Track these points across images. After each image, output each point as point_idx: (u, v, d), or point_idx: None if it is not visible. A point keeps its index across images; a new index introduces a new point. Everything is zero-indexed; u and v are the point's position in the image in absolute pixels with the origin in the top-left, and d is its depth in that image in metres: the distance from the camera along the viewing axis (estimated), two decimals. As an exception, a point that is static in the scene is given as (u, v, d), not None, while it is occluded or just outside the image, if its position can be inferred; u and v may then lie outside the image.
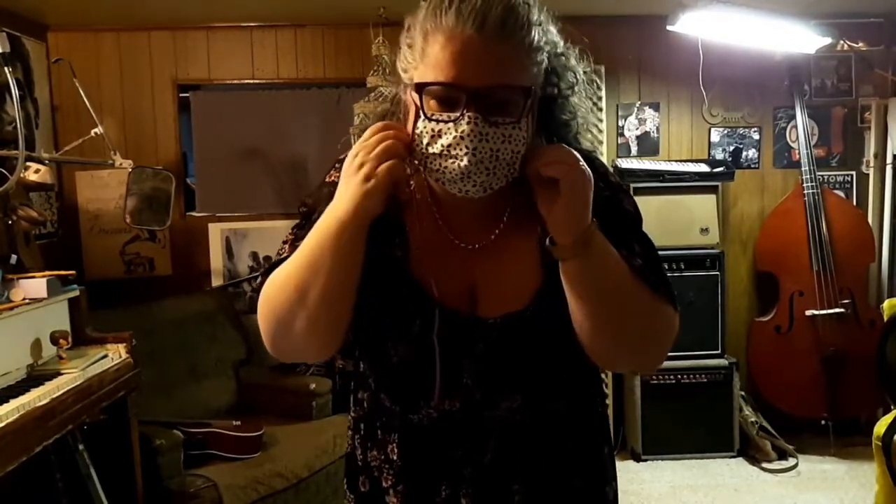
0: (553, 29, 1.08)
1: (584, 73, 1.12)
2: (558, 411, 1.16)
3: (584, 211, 0.98)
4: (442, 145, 0.98)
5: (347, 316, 1.07)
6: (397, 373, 1.13)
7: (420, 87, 0.99)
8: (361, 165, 0.98)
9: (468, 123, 0.96)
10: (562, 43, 1.09)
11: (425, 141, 0.99)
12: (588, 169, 0.99)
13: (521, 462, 1.14)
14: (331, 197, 1.04)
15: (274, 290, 1.07)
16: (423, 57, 1.00)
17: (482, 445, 1.13)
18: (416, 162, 1.02)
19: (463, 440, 1.13)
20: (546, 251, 1.03)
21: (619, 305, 1.04)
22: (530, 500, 1.14)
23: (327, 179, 1.17)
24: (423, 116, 0.99)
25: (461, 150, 0.97)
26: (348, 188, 0.99)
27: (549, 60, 1.06)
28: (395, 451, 1.16)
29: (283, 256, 1.11)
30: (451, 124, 0.97)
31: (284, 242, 1.15)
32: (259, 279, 1.13)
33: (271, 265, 1.11)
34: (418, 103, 1.00)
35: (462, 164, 0.97)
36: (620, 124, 4.05)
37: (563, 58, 1.09)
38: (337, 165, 1.15)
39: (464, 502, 1.13)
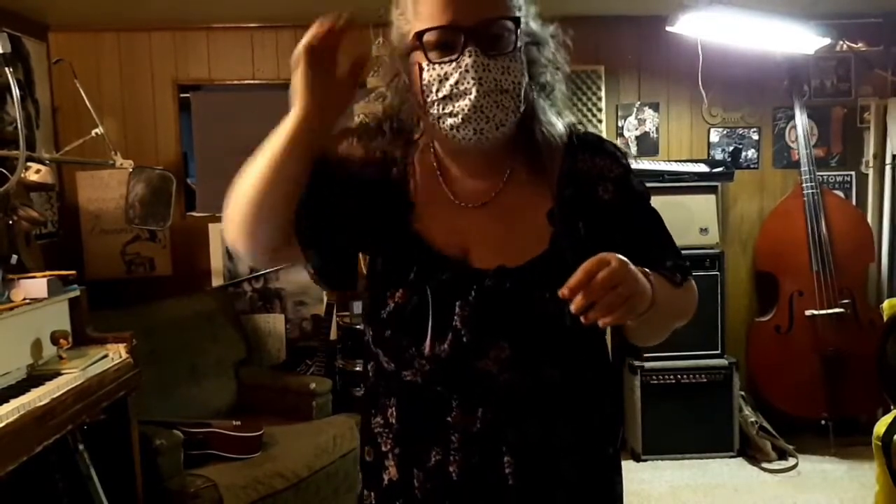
0: None
1: (552, 35, 1.18)
2: (551, 381, 1.15)
3: (637, 305, 1.00)
4: (450, 85, 1.06)
5: (292, 199, 1.11)
6: (393, 320, 1.15)
7: (420, 35, 1.07)
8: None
9: (469, 57, 1.04)
10: (532, 6, 1.16)
11: (434, 88, 1.07)
12: (615, 270, 0.96)
13: (512, 434, 1.14)
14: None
15: (235, 190, 1.15)
16: (416, 15, 1.08)
17: (472, 410, 1.13)
18: (429, 116, 1.09)
19: (455, 401, 1.14)
20: (554, 223, 1.13)
21: (667, 319, 1.18)
22: (521, 476, 1.14)
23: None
24: (426, 65, 1.07)
25: (468, 82, 1.04)
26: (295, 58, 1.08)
27: (526, 19, 1.13)
28: (394, 414, 1.19)
29: None
30: (453, 63, 1.05)
31: None
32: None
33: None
34: (420, 56, 1.07)
35: (472, 96, 1.05)
36: (620, 124, 4.05)
37: (534, 19, 1.16)
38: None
39: (451, 469, 1.14)
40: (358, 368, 3.46)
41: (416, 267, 1.13)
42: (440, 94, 1.07)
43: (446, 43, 1.06)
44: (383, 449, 1.21)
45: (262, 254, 1.19)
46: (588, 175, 1.18)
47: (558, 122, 1.19)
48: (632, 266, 0.99)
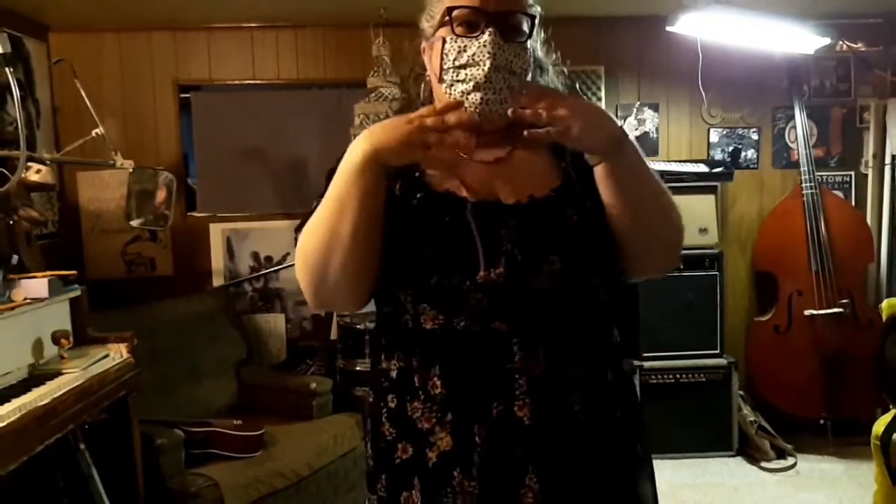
0: None
1: (553, 64, 1.38)
2: (598, 296, 1.25)
3: (596, 133, 1.18)
4: (468, 56, 1.19)
5: (377, 253, 1.20)
6: (437, 265, 1.19)
7: (451, 10, 1.22)
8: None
9: (489, 36, 1.18)
10: (540, 35, 1.33)
11: (452, 56, 1.21)
12: (568, 96, 1.19)
13: (574, 371, 1.21)
14: None
15: (307, 239, 1.21)
16: None
17: (534, 351, 1.18)
18: (443, 83, 1.22)
19: (515, 344, 1.17)
20: (560, 158, 1.29)
21: (651, 204, 1.26)
22: (587, 412, 1.21)
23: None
24: (450, 38, 1.21)
25: (484, 55, 1.18)
26: (363, 136, 1.15)
27: (534, 44, 1.28)
28: (438, 383, 1.19)
29: (312, 208, 1.23)
30: (474, 39, 1.20)
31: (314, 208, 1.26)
32: (295, 235, 1.27)
33: (302, 222, 1.24)
34: (447, 31, 1.22)
35: (485, 67, 1.18)
36: (620, 124, 4.05)
37: (545, 47, 1.35)
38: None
39: (521, 415, 1.16)
40: (358, 368, 3.46)
41: (449, 216, 1.20)
42: (457, 63, 1.20)
43: (470, 22, 1.21)
44: (427, 427, 1.19)
45: (356, 301, 1.27)
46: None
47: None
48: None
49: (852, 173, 4.15)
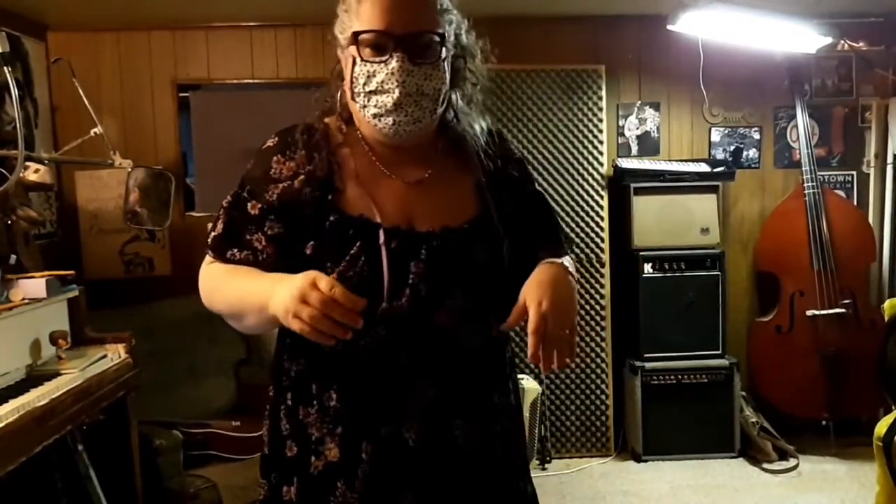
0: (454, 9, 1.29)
1: (481, 49, 1.34)
2: (492, 321, 1.28)
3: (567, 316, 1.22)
4: (376, 83, 1.19)
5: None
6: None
7: (356, 35, 1.20)
8: (306, 303, 1.07)
9: (397, 62, 1.18)
10: (465, 23, 1.30)
11: (362, 81, 1.21)
12: (549, 300, 1.19)
13: (461, 399, 1.26)
14: (264, 178, 1.26)
15: (211, 293, 1.31)
16: (358, 15, 1.21)
17: (426, 377, 1.23)
18: (356, 103, 1.23)
19: (409, 370, 1.22)
20: (480, 189, 1.30)
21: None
22: (468, 437, 1.27)
23: (263, 147, 1.33)
24: (359, 61, 1.20)
25: (392, 83, 1.18)
26: (289, 301, 1.09)
27: (456, 34, 1.28)
28: (334, 396, 1.24)
29: (217, 234, 1.29)
30: (382, 64, 1.19)
31: (217, 218, 1.31)
32: (206, 252, 1.33)
33: (212, 245, 1.30)
34: (355, 52, 1.21)
35: (395, 95, 1.19)
36: (621, 124, 4.05)
37: (466, 34, 1.31)
38: (274, 136, 1.33)
39: (407, 436, 1.23)
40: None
41: (361, 241, 1.20)
42: (367, 89, 1.21)
43: (378, 45, 1.20)
44: (317, 435, 1.25)
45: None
46: (500, 156, 1.36)
47: (477, 121, 1.36)
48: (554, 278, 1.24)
49: (854, 173, 4.14)
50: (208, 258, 1.32)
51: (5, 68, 2.36)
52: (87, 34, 3.79)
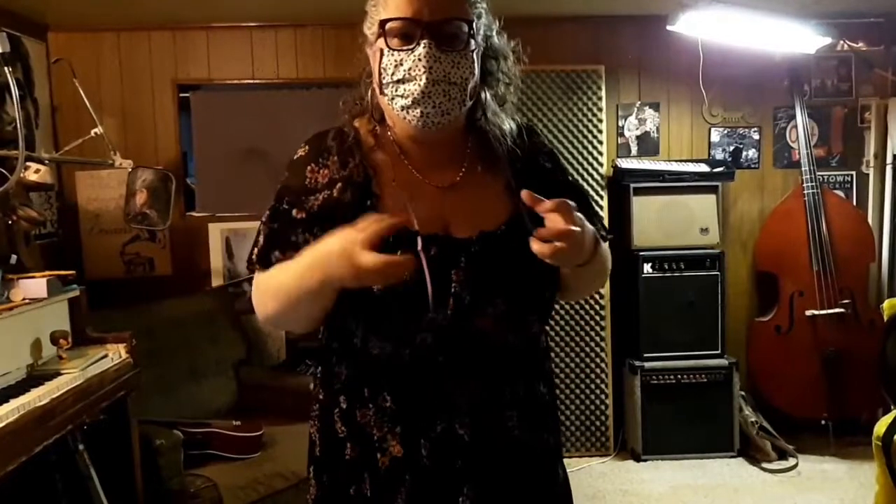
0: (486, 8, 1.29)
1: (513, 50, 1.35)
2: (532, 324, 1.31)
3: (574, 258, 1.17)
4: (404, 70, 1.19)
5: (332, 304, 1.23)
6: (388, 301, 1.20)
7: (384, 23, 1.20)
8: (354, 253, 1.08)
9: (424, 48, 1.18)
10: (496, 23, 1.31)
11: (390, 71, 1.20)
12: (575, 229, 1.13)
13: (509, 392, 1.28)
14: (301, 189, 1.26)
15: (263, 298, 1.28)
16: (385, 6, 1.22)
17: (473, 376, 1.24)
18: (385, 97, 1.22)
19: (457, 370, 1.23)
20: (511, 190, 1.27)
21: (597, 274, 1.34)
22: (523, 427, 1.29)
23: (294, 158, 1.34)
24: (386, 51, 1.20)
25: (419, 70, 1.18)
26: (340, 263, 1.10)
27: (487, 35, 1.28)
28: (388, 398, 1.25)
29: (259, 247, 1.29)
30: (409, 52, 1.19)
31: (257, 235, 1.31)
32: (248, 268, 1.35)
33: (256, 259, 1.29)
34: (383, 44, 1.21)
35: (422, 82, 1.18)
36: (620, 124, 4.05)
37: (497, 35, 1.32)
38: (304, 145, 1.35)
39: (461, 433, 1.24)
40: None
41: (401, 251, 1.17)
42: (395, 78, 1.20)
43: (406, 33, 1.19)
44: (378, 435, 1.26)
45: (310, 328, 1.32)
46: (530, 151, 1.36)
47: (507, 121, 1.35)
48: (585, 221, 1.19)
49: (853, 173, 4.14)
50: (256, 275, 1.31)
51: (6, 68, 2.36)
52: (88, 34, 3.80)
